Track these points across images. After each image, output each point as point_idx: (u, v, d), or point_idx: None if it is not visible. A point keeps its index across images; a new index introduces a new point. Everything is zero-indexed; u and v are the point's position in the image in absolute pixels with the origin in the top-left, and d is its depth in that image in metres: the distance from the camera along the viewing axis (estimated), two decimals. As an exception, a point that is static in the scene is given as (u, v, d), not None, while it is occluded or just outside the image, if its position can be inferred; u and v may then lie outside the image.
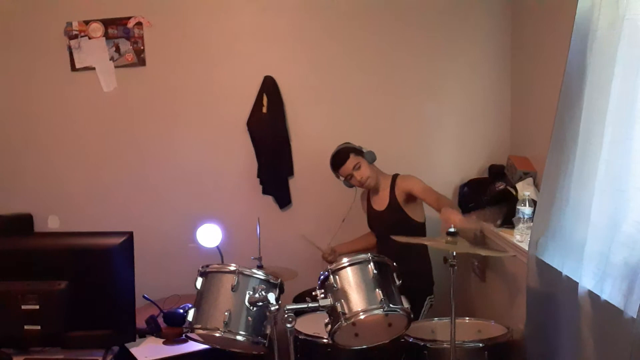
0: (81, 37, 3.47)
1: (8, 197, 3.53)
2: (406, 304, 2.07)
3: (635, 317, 1.58)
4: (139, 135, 3.53)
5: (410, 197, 2.99)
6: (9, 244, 2.24)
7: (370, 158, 3.05)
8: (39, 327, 2.08)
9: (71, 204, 3.55)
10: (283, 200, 3.54)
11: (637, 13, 1.73)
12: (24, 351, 2.21)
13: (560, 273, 2.09)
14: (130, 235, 2.21)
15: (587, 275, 1.92)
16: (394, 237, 2.40)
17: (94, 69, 3.48)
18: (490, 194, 3.05)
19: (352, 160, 2.99)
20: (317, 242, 3.15)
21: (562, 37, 2.29)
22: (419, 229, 3.03)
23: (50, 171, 3.56)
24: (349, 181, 3.06)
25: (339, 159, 3.02)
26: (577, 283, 1.96)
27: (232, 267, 2.11)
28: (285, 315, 1.96)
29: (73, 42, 3.47)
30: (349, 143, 3.07)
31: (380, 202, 3.08)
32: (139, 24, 3.46)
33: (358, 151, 3.03)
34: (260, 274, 2.13)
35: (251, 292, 2.06)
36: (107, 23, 3.46)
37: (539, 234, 2.28)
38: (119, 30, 3.46)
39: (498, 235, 2.89)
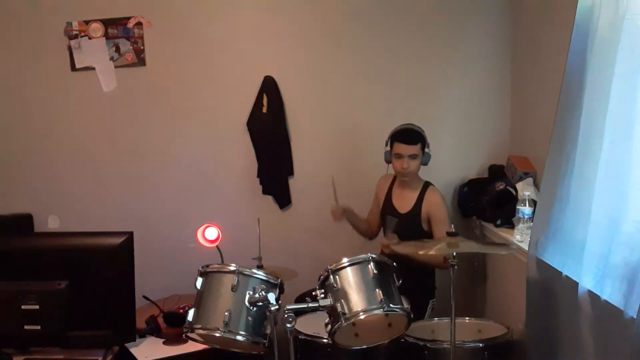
0: (81, 37, 3.46)
1: (8, 197, 3.53)
2: (406, 304, 2.06)
3: (635, 317, 1.58)
4: (139, 135, 3.53)
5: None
6: (9, 244, 2.24)
7: (425, 160, 2.93)
8: (39, 327, 2.08)
9: (71, 204, 3.55)
10: (283, 200, 3.54)
11: (637, 13, 1.73)
12: (24, 351, 2.21)
13: (560, 273, 2.10)
14: (130, 235, 2.21)
15: (587, 275, 1.92)
16: (393, 246, 2.39)
17: (94, 69, 3.48)
18: (490, 194, 3.05)
19: (417, 149, 2.86)
20: (338, 194, 2.98)
21: (562, 37, 2.29)
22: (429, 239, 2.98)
23: (50, 171, 3.56)
24: (392, 159, 2.91)
25: (408, 137, 2.86)
26: (577, 283, 1.96)
27: (232, 267, 2.11)
28: (285, 315, 1.96)
29: (73, 42, 3.47)
30: (423, 132, 2.94)
31: (404, 204, 2.99)
32: (139, 24, 3.45)
33: (425, 146, 2.92)
34: (260, 274, 2.13)
35: (251, 292, 2.06)
36: (107, 23, 3.46)
37: (539, 234, 2.28)
38: (119, 30, 3.46)
39: (498, 236, 2.90)
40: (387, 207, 3.08)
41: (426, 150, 2.93)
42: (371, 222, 3.24)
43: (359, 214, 3.26)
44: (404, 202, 3.00)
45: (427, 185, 2.99)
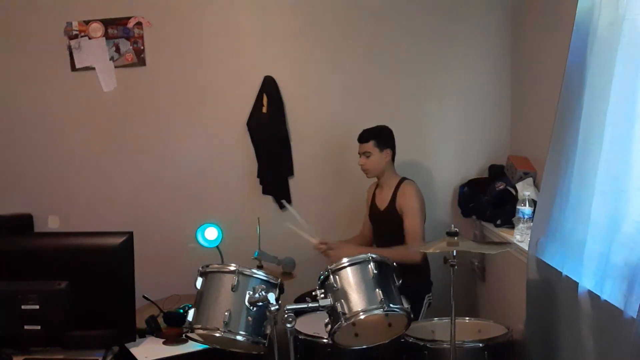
0: (81, 37, 3.47)
1: (8, 197, 3.53)
2: (406, 304, 2.06)
3: (635, 317, 1.58)
4: (139, 135, 3.54)
5: None
6: (9, 244, 2.24)
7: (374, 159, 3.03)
8: (39, 327, 2.08)
9: (71, 204, 3.56)
10: (283, 200, 3.53)
11: (637, 13, 1.73)
12: (24, 351, 2.21)
13: (560, 273, 2.10)
14: (130, 235, 2.21)
15: (587, 275, 1.92)
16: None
17: (94, 69, 3.49)
18: (490, 194, 3.05)
19: (368, 147, 3.00)
20: (306, 233, 2.92)
21: (562, 37, 2.29)
22: None
23: (50, 171, 3.56)
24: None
25: (361, 135, 3.04)
26: (577, 283, 1.96)
27: (232, 267, 2.11)
28: (285, 315, 1.96)
29: (73, 42, 3.47)
30: (385, 132, 3.04)
31: (382, 201, 3.08)
32: (139, 24, 3.46)
33: (384, 143, 3.01)
34: (260, 274, 2.13)
35: (251, 292, 2.06)
36: (107, 23, 3.46)
37: (539, 234, 2.28)
38: (119, 30, 3.46)
39: (498, 236, 2.90)
40: (372, 209, 3.18)
41: (388, 148, 3.02)
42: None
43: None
44: (382, 199, 3.08)
45: (402, 180, 3.06)
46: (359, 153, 3.06)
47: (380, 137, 3.02)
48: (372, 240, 3.26)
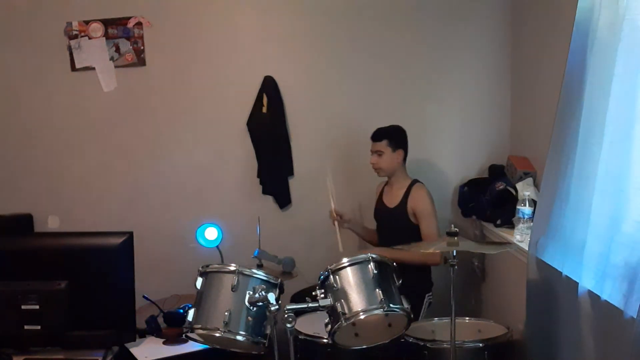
0: (81, 37, 3.47)
1: (8, 197, 3.53)
2: (406, 304, 2.07)
3: (635, 317, 1.58)
4: (139, 135, 3.53)
5: None
6: (9, 244, 2.24)
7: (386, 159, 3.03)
8: (39, 327, 2.08)
9: (71, 204, 3.56)
10: (283, 200, 3.54)
11: (637, 13, 1.73)
12: (24, 351, 2.21)
13: (560, 273, 2.10)
14: (130, 235, 2.21)
15: (587, 275, 1.92)
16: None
17: (94, 69, 3.48)
18: (490, 194, 3.05)
19: (381, 146, 3.00)
20: (334, 196, 3.05)
21: (562, 37, 2.29)
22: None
23: (50, 171, 3.56)
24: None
25: (374, 134, 3.03)
26: (577, 283, 1.96)
27: (232, 267, 2.11)
28: (285, 315, 1.96)
29: (73, 42, 3.47)
30: (399, 132, 3.04)
31: (391, 200, 3.08)
32: (139, 24, 3.46)
33: (396, 143, 3.01)
34: (260, 274, 2.13)
35: (251, 292, 2.06)
36: (107, 23, 3.46)
37: (539, 234, 2.28)
38: (119, 30, 3.46)
39: (498, 236, 2.90)
40: (378, 206, 3.18)
41: (402, 149, 3.02)
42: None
43: (358, 213, 3.26)
44: (392, 198, 3.09)
45: (414, 182, 3.06)
46: (371, 151, 3.04)
47: (393, 136, 3.01)
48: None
